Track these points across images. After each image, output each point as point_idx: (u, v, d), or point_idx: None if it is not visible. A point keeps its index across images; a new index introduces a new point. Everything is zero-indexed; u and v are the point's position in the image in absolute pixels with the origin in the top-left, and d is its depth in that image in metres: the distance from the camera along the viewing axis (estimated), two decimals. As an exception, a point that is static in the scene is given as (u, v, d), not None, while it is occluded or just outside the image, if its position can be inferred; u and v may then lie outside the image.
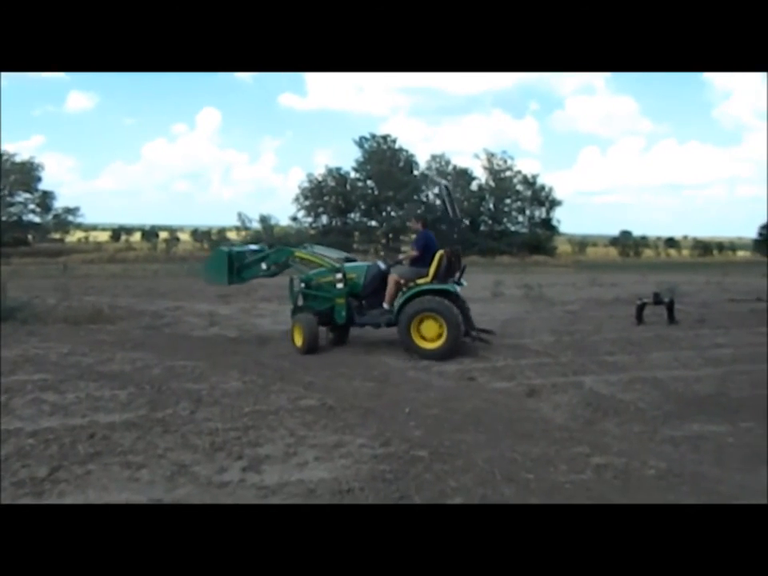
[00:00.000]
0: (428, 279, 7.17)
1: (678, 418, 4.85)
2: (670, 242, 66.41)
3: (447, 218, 7.75)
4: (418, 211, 32.32)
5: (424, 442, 4.13)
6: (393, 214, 41.70)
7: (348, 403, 5.01)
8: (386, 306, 7.29)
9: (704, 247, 60.34)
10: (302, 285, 7.66)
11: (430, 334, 6.97)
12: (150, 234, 62.59)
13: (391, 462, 3.74)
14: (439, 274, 7.18)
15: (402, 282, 7.27)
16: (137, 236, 63.87)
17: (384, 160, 41.04)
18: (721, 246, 60.81)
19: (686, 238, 73.26)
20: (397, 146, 42.63)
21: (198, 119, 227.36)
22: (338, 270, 7.46)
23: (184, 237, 60.45)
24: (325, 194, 42.16)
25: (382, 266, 7.70)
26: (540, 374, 6.29)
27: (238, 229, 48.55)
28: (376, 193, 41.72)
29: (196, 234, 57.61)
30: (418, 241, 7.44)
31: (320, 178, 42.29)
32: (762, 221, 48.62)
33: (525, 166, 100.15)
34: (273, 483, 3.43)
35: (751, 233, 50.21)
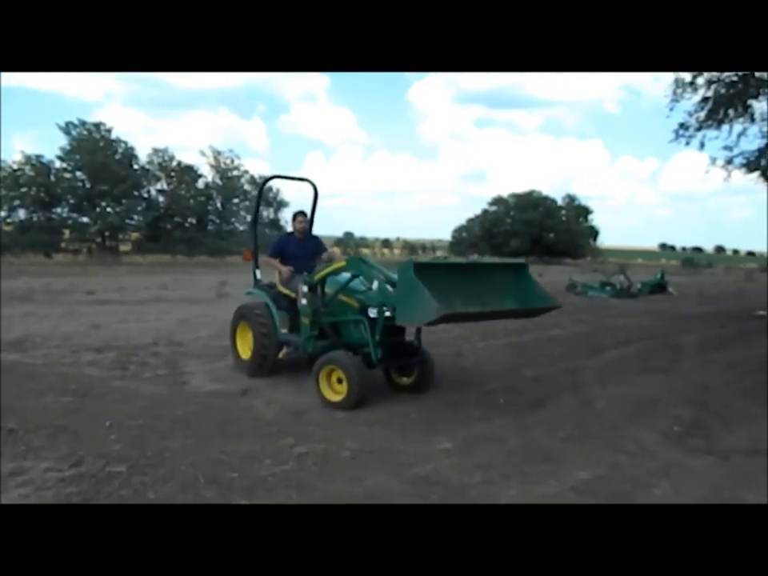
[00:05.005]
0: None
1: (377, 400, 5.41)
2: (386, 243, 73.93)
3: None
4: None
5: (124, 455, 3.87)
6: (109, 210, 37.77)
7: (34, 424, 4.42)
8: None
9: (411, 248, 68.62)
10: None
11: None
12: None
13: (81, 484, 3.41)
14: None
15: None
16: None
17: (97, 150, 36.74)
18: (424, 247, 69.95)
19: (398, 239, 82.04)
20: (113, 136, 38.69)
21: None
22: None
23: None
24: (22, 185, 36.18)
25: None
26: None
27: None
28: (88, 186, 37.19)
29: None
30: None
31: (16, 166, 36.15)
32: (455, 225, 57.27)
33: (253, 166, 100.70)
34: None
35: (447, 235, 58.84)
